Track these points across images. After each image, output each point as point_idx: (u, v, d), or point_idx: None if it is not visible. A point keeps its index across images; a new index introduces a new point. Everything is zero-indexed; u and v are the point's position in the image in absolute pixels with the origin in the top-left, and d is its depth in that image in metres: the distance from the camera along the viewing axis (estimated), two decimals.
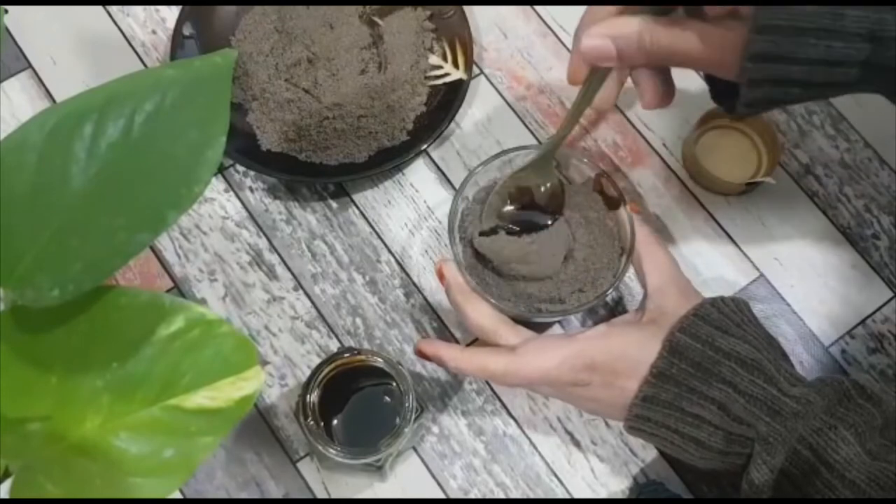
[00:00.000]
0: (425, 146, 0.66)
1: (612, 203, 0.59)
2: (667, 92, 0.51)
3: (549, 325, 0.64)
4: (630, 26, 0.47)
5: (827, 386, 0.50)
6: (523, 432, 0.62)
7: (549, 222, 0.59)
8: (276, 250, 0.66)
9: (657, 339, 0.52)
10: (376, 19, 0.71)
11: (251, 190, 0.67)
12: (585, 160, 0.60)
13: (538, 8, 0.73)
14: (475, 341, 0.63)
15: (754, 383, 0.50)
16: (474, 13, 0.72)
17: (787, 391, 0.50)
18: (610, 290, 0.58)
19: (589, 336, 0.54)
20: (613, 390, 0.52)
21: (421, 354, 0.57)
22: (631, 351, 0.52)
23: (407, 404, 0.54)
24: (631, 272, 0.58)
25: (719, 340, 0.51)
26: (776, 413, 0.49)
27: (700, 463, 0.52)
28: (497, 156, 0.60)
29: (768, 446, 0.49)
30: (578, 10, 0.72)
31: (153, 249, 0.65)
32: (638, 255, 0.57)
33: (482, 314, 0.56)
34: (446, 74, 0.69)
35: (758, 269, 0.66)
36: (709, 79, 0.52)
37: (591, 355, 0.52)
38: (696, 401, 0.50)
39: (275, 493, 0.60)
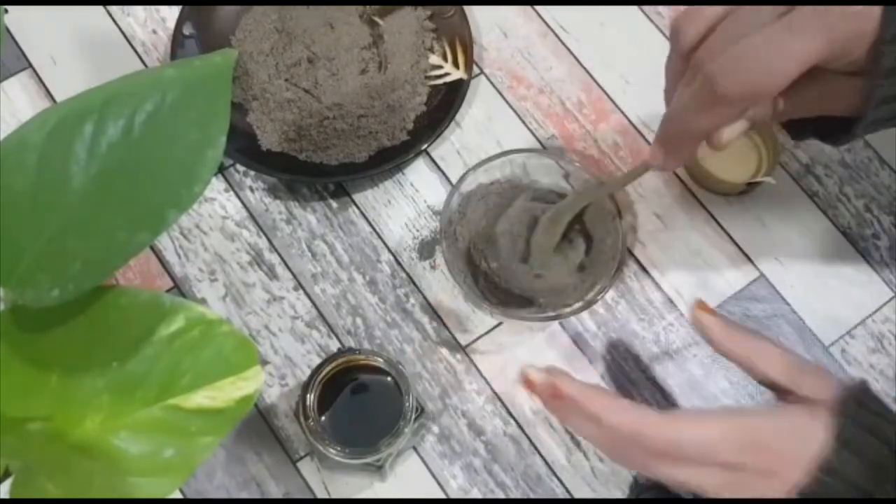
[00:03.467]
0: (425, 146, 0.66)
1: (610, 214, 0.60)
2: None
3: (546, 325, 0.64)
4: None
5: None
6: (523, 432, 0.62)
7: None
8: (277, 250, 0.66)
9: (818, 420, 0.43)
10: (376, 19, 0.71)
11: (251, 190, 0.67)
12: (587, 172, 0.61)
13: (538, 8, 0.73)
14: (479, 339, 0.63)
15: None
16: (474, 13, 0.72)
17: None
18: (606, 292, 0.59)
19: (755, 411, 0.44)
20: (769, 481, 0.42)
21: (526, 382, 0.46)
22: (800, 433, 0.42)
23: (407, 404, 0.54)
24: (629, 280, 0.58)
25: (884, 427, 0.42)
26: None
27: None
28: (498, 156, 0.61)
29: None
30: (578, 10, 0.73)
31: (153, 249, 0.65)
32: (741, 353, 0.48)
33: (624, 411, 0.44)
34: (446, 74, 0.69)
35: (758, 269, 0.66)
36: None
37: (759, 431, 0.42)
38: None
39: (275, 492, 0.60)
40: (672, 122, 0.49)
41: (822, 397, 0.43)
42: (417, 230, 0.66)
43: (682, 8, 0.48)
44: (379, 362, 0.55)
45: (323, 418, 0.54)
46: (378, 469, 0.57)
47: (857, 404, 0.43)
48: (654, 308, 0.65)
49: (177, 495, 0.60)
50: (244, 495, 0.60)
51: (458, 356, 0.63)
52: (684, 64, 0.47)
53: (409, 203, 0.67)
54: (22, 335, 0.40)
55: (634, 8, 0.73)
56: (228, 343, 0.42)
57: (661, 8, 0.73)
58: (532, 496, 0.60)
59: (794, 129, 0.53)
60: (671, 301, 0.65)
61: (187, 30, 0.69)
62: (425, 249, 0.66)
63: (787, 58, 0.42)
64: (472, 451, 0.61)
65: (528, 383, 0.45)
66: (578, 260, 0.61)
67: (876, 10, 0.42)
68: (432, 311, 0.64)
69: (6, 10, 0.70)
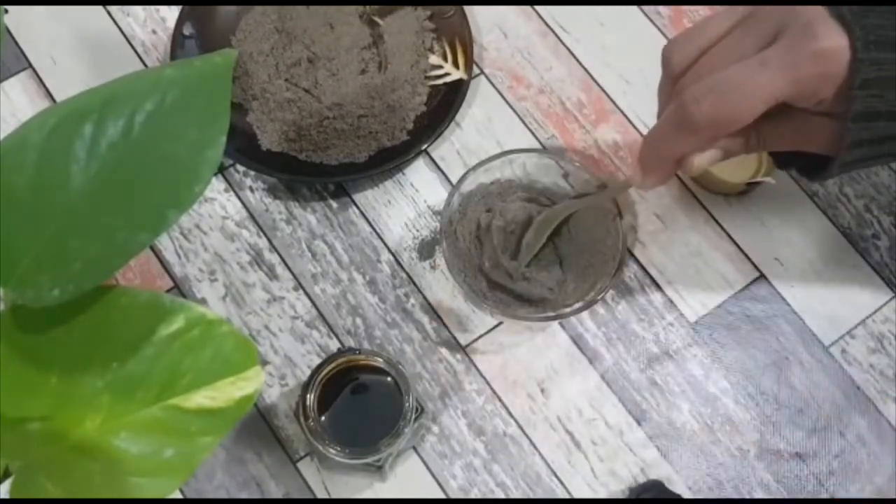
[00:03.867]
0: (425, 146, 0.66)
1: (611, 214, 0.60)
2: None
3: (548, 323, 0.64)
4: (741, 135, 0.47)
5: None
6: (523, 432, 0.62)
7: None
8: (277, 250, 0.66)
9: None
10: (376, 19, 0.70)
11: (251, 190, 0.67)
12: (587, 172, 0.62)
13: (538, 8, 0.73)
14: (479, 339, 0.63)
15: None
16: (474, 13, 0.72)
17: None
18: (606, 292, 0.59)
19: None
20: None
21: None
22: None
23: (407, 404, 0.54)
24: (633, 276, 0.59)
25: None
26: None
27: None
28: (498, 156, 0.61)
29: None
30: (578, 10, 0.73)
31: (153, 249, 0.65)
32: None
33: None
34: (446, 74, 0.69)
35: (758, 269, 0.66)
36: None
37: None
38: None
39: (275, 492, 0.60)
40: (648, 144, 0.50)
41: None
42: (417, 230, 0.66)
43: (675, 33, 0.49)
44: (379, 362, 0.55)
45: (323, 418, 0.54)
46: (378, 469, 0.57)
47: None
48: (654, 308, 0.65)
49: (177, 495, 0.60)
50: (244, 495, 0.60)
51: (458, 356, 0.63)
52: (673, 88, 0.49)
53: (409, 203, 0.67)
54: (22, 335, 0.40)
55: (634, 8, 0.73)
56: (228, 343, 0.42)
57: (661, 8, 0.73)
58: (532, 496, 0.60)
59: (778, 158, 0.55)
60: (671, 301, 0.65)
61: (187, 30, 0.69)
62: (425, 249, 0.66)
63: (753, 93, 0.44)
64: (471, 450, 0.61)
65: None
66: (555, 275, 0.62)
67: (844, 54, 0.43)
68: (432, 311, 0.64)
69: (6, 10, 0.70)
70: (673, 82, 0.49)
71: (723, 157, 0.49)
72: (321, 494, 0.60)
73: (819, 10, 0.43)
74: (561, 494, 0.60)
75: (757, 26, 0.45)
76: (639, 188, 0.53)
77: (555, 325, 0.64)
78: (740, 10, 0.47)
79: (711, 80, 0.45)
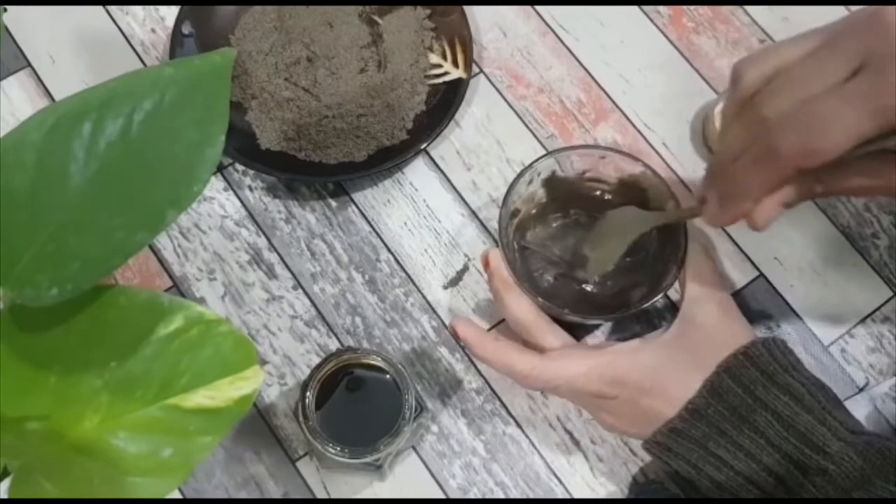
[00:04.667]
0: (425, 145, 0.66)
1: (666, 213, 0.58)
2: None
3: (590, 331, 0.60)
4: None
5: (873, 449, 0.47)
6: (523, 431, 0.62)
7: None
8: (276, 249, 0.66)
9: (686, 357, 0.51)
10: (376, 18, 0.70)
11: (250, 189, 0.67)
12: (664, 185, 0.58)
13: (538, 7, 0.73)
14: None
15: (787, 439, 0.48)
16: (474, 12, 0.72)
17: (824, 445, 0.47)
18: (656, 300, 0.56)
19: (620, 349, 0.53)
20: (637, 409, 0.51)
21: (453, 332, 0.57)
22: (662, 370, 0.51)
23: (406, 403, 0.53)
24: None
25: (760, 390, 0.49)
26: (804, 470, 0.47)
27: (710, 493, 0.51)
28: (588, 146, 0.62)
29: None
30: (578, 10, 0.73)
31: (152, 248, 0.65)
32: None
33: (521, 308, 0.55)
34: (446, 73, 0.69)
35: (758, 269, 0.66)
36: None
37: (620, 369, 0.51)
38: (724, 444, 0.49)
39: (274, 492, 0.60)
40: (725, 175, 0.48)
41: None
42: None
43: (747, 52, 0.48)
44: (378, 361, 0.55)
45: (322, 418, 0.54)
46: (377, 469, 0.57)
47: (744, 357, 0.51)
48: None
49: (175, 495, 0.60)
50: (243, 495, 0.60)
51: (458, 355, 0.63)
52: (741, 107, 0.46)
53: (408, 202, 0.67)
54: (20, 334, 0.40)
55: (634, 8, 0.73)
56: (227, 342, 0.42)
57: (661, 8, 0.73)
58: (531, 496, 0.60)
59: None
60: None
61: (186, 29, 0.69)
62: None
63: (842, 127, 0.41)
64: (471, 450, 0.61)
65: (453, 329, 0.56)
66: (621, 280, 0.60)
67: None
68: (431, 310, 0.64)
69: (5, 9, 0.70)
70: (741, 101, 0.46)
71: (784, 208, 0.47)
72: (320, 494, 0.60)
73: None
74: (560, 494, 0.60)
75: (843, 51, 0.43)
76: (709, 223, 0.51)
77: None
78: (822, 33, 0.44)
79: (797, 110, 0.42)
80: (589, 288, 0.60)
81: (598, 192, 0.61)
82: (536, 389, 0.58)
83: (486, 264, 0.56)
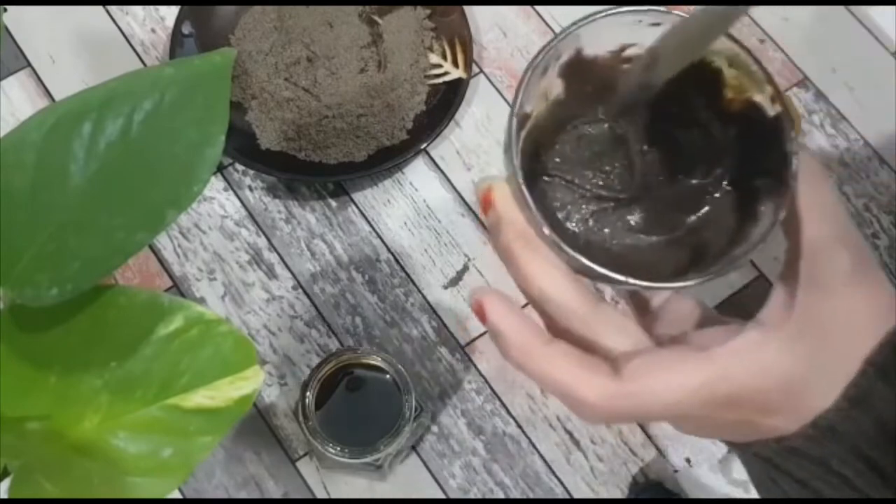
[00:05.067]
0: (425, 145, 0.66)
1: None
2: None
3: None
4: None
5: None
6: (523, 431, 0.62)
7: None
8: (276, 249, 0.66)
9: (820, 348, 0.33)
10: (376, 18, 0.70)
11: (250, 189, 0.67)
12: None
13: (538, 7, 0.73)
14: (479, 338, 0.63)
15: None
16: (474, 12, 0.72)
17: None
18: (752, 252, 0.33)
19: (732, 350, 0.32)
20: (751, 428, 0.34)
21: (479, 312, 0.33)
22: (795, 379, 0.33)
23: (406, 403, 0.53)
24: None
25: None
26: None
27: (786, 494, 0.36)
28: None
29: None
30: (578, 11, 0.73)
31: (152, 248, 0.65)
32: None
33: (557, 282, 0.32)
34: (446, 73, 0.69)
35: (758, 268, 0.66)
36: None
37: (738, 383, 0.32)
38: (854, 464, 0.34)
39: (274, 492, 0.60)
40: None
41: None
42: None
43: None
44: (378, 361, 0.55)
45: (322, 418, 0.54)
46: (377, 468, 0.57)
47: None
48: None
49: (176, 495, 0.60)
50: (243, 495, 0.60)
51: (458, 355, 0.63)
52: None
53: (408, 202, 0.67)
54: (20, 334, 0.40)
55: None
56: (227, 342, 0.41)
57: (660, 8, 0.73)
58: (531, 496, 0.60)
59: None
60: None
61: (186, 29, 0.69)
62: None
63: None
64: (471, 450, 0.61)
65: (475, 305, 0.32)
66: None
67: None
68: (431, 310, 0.64)
69: (5, 9, 0.70)
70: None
71: None
72: (320, 494, 0.60)
73: None
74: (560, 494, 0.60)
75: None
76: None
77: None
78: None
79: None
80: (640, 234, 0.37)
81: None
82: (608, 423, 0.39)
83: (487, 205, 0.33)
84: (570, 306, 0.33)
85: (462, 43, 0.69)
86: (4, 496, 0.39)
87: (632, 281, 0.32)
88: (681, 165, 0.37)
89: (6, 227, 0.38)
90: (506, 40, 0.72)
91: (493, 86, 0.71)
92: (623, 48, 0.36)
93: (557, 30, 0.72)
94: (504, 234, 0.33)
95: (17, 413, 0.40)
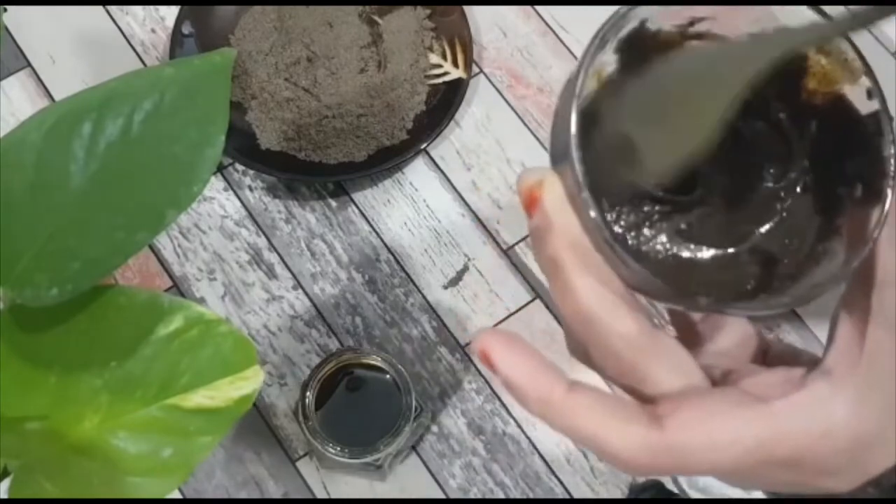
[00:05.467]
0: (425, 145, 0.66)
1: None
2: None
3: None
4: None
5: None
6: (523, 431, 0.62)
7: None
8: (276, 249, 0.66)
9: (892, 403, 0.27)
10: (376, 18, 0.70)
11: (250, 189, 0.67)
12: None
13: (538, 7, 0.73)
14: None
15: None
16: (474, 12, 0.72)
17: None
18: (842, 277, 0.29)
19: (794, 403, 0.27)
20: (803, 486, 0.29)
21: (486, 362, 0.28)
22: (863, 437, 0.27)
23: (406, 403, 0.53)
24: None
25: None
26: None
27: None
28: None
29: None
30: (578, 10, 0.73)
31: (152, 248, 0.65)
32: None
33: (612, 302, 0.27)
34: (446, 73, 0.69)
35: None
36: None
37: (799, 442, 0.27)
38: None
39: (274, 492, 0.60)
40: None
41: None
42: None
43: None
44: (378, 361, 0.55)
45: (322, 418, 0.54)
46: (377, 469, 0.57)
47: None
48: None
49: (176, 495, 0.60)
50: (243, 495, 0.60)
51: (458, 355, 0.63)
52: None
53: (408, 202, 0.67)
54: (20, 335, 0.40)
55: None
56: (227, 343, 0.41)
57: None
58: (531, 496, 0.60)
59: None
60: None
61: (186, 29, 0.69)
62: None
63: None
64: (471, 450, 0.61)
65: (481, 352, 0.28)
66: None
67: None
68: (431, 310, 0.64)
69: (5, 9, 0.70)
70: None
71: None
72: (320, 494, 0.60)
73: None
74: (560, 494, 0.60)
75: None
76: None
77: (554, 324, 0.64)
78: None
79: None
80: (701, 244, 0.31)
81: None
82: (648, 476, 0.33)
83: (533, 204, 0.27)
84: (623, 331, 0.27)
85: (462, 43, 0.69)
86: (4, 496, 0.39)
87: (704, 302, 0.27)
88: (746, 165, 0.30)
89: (6, 227, 0.38)
90: (506, 40, 0.72)
91: (493, 86, 0.71)
92: (692, 22, 0.29)
93: (557, 30, 0.72)
94: (553, 242, 0.27)
95: (17, 413, 0.40)
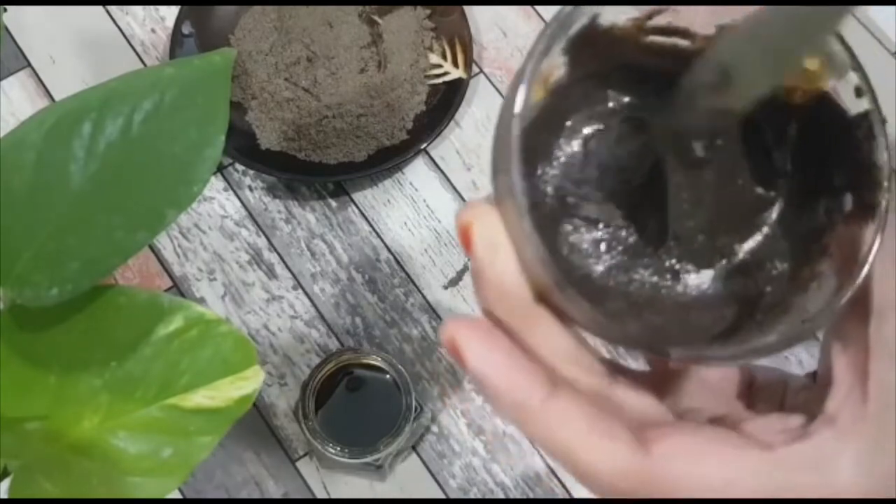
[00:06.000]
0: (425, 145, 0.66)
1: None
2: None
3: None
4: None
5: None
6: None
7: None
8: (276, 249, 0.66)
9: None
10: (376, 18, 0.70)
11: (250, 189, 0.67)
12: None
13: (538, 7, 0.73)
14: None
15: None
16: (474, 12, 0.72)
17: None
18: (836, 308, 0.23)
19: (803, 455, 0.25)
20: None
21: (454, 353, 0.24)
22: (872, 493, 0.25)
23: (406, 403, 0.53)
24: None
25: None
26: None
27: None
28: None
29: None
30: None
31: (152, 248, 0.65)
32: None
33: (564, 350, 0.24)
34: (446, 73, 0.69)
35: None
36: None
37: (797, 485, 0.24)
38: None
39: (274, 492, 0.60)
40: None
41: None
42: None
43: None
44: (378, 361, 0.55)
45: (322, 418, 0.54)
46: (377, 469, 0.57)
47: None
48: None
49: (175, 495, 0.60)
50: (243, 495, 0.60)
51: None
52: None
53: (408, 203, 0.67)
54: (20, 335, 0.40)
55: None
56: (227, 343, 0.41)
57: None
58: (531, 496, 0.60)
59: None
60: None
61: (186, 29, 0.69)
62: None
63: None
64: (471, 450, 0.61)
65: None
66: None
67: None
68: (431, 310, 0.64)
69: (5, 9, 0.70)
70: None
71: None
72: (320, 494, 0.60)
73: None
74: (560, 494, 0.60)
75: None
76: None
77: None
78: None
79: None
80: (668, 274, 0.26)
81: (673, 59, 0.25)
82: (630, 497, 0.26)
83: (468, 244, 0.25)
84: (579, 385, 0.24)
85: (462, 43, 0.69)
86: (4, 496, 0.39)
87: (676, 354, 0.22)
88: (717, 179, 0.26)
89: (6, 227, 0.38)
90: (506, 40, 0.72)
91: (493, 86, 0.71)
92: (650, 15, 0.25)
93: None
94: (483, 294, 0.24)
95: (17, 413, 0.40)
